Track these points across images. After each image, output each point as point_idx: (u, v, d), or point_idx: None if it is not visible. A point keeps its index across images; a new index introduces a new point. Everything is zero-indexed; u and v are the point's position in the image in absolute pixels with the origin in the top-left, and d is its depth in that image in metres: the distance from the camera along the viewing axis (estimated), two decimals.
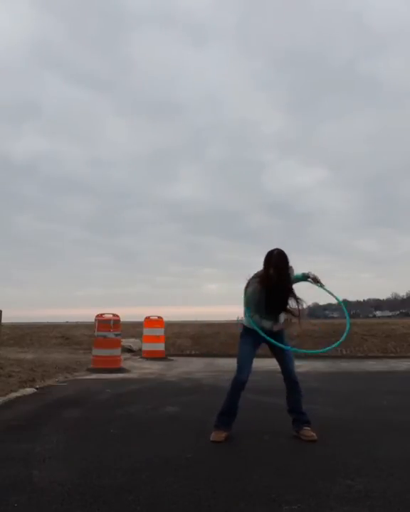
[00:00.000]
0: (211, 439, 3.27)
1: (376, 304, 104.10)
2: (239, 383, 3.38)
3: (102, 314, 7.94)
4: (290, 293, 3.38)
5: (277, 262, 3.29)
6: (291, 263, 3.38)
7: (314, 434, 3.30)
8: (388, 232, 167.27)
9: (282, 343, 3.42)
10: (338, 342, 3.58)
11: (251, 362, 3.44)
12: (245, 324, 3.50)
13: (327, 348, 3.76)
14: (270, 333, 3.36)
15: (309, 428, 3.35)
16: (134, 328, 11.97)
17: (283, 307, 3.38)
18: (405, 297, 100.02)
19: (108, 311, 8.05)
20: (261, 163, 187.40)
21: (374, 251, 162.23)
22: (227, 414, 3.38)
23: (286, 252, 3.35)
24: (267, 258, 3.35)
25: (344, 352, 10.86)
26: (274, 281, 3.27)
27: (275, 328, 3.40)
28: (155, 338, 9.89)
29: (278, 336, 3.43)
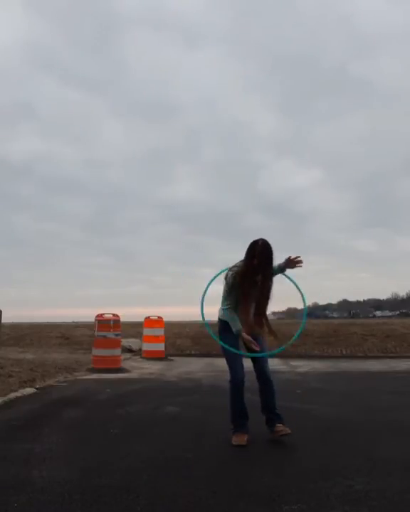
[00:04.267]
0: (233, 443, 3.18)
1: (376, 304, 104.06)
2: (237, 384, 3.28)
3: (102, 314, 7.94)
4: (269, 291, 3.28)
5: (262, 252, 3.18)
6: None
7: (287, 429, 3.22)
8: (385, 232, 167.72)
9: (259, 342, 3.31)
10: (292, 340, 3.53)
11: (241, 358, 3.34)
12: (224, 318, 3.36)
13: (282, 348, 3.69)
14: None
15: (281, 424, 3.27)
16: (134, 328, 11.97)
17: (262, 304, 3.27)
18: (405, 297, 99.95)
19: (108, 311, 8.08)
20: (257, 163, 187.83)
21: (372, 251, 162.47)
22: (240, 417, 3.30)
23: (275, 248, 3.23)
24: (250, 248, 3.24)
25: (344, 352, 10.87)
26: (258, 272, 3.17)
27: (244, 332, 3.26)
28: (155, 338, 9.90)
29: (256, 334, 3.33)
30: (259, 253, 3.18)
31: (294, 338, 3.52)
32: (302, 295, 3.48)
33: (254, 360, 3.38)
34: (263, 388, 3.35)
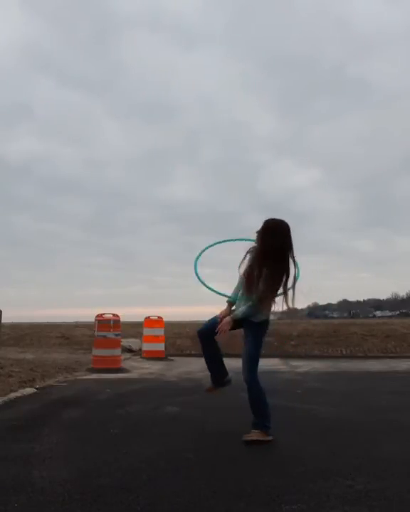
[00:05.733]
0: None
1: (376, 304, 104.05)
2: (199, 333, 3.41)
3: (102, 314, 7.94)
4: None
5: (284, 232, 3.22)
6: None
7: (251, 437, 3.17)
8: (384, 232, 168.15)
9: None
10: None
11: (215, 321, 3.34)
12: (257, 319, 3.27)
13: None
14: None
15: (256, 431, 3.21)
16: (134, 328, 11.98)
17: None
18: (405, 297, 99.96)
19: (108, 311, 8.08)
20: (256, 164, 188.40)
21: (371, 251, 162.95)
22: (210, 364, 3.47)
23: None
24: (280, 227, 3.23)
25: (344, 352, 10.87)
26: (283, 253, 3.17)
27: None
28: (155, 338, 9.90)
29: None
30: (285, 234, 3.22)
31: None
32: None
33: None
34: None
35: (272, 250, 3.16)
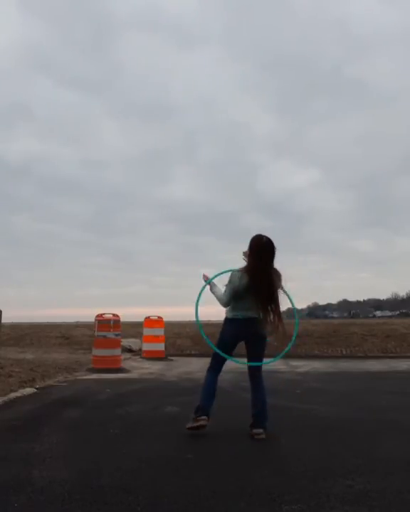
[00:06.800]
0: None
1: (376, 304, 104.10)
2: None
3: (102, 314, 7.94)
4: (275, 290, 3.33)
5: (266, 248, 3.28)
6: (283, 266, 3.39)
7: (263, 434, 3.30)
8: (384, 232, 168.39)
9: (260, 346, 3.44)
10: (286, 349, 3.59)
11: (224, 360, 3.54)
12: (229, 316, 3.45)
13: (277, 357, 3.70)
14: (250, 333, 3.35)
15: (264, 429, 3.34)
16: (134, 328, 11.98)
17: (267, 302, 3.30)
18: (405, 297, 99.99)
19: (108, 311, 8.07)
20: (254, 164, 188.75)
21: (371, 251, 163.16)
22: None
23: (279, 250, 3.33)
24: (255, 244, 3.31)
25: (344, 352, 10.87)
26: (260, 270, 3.24)
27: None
28: (155, 338, 9.90)
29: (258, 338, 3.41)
30: (263, 250, 3.27)
31: (291, 342, 3.55)
32: (288, 296, 3.50)
33: (249, 359, 3.49)
34: (255, 388, 3.46)
35: (251, 263, 3.32)
